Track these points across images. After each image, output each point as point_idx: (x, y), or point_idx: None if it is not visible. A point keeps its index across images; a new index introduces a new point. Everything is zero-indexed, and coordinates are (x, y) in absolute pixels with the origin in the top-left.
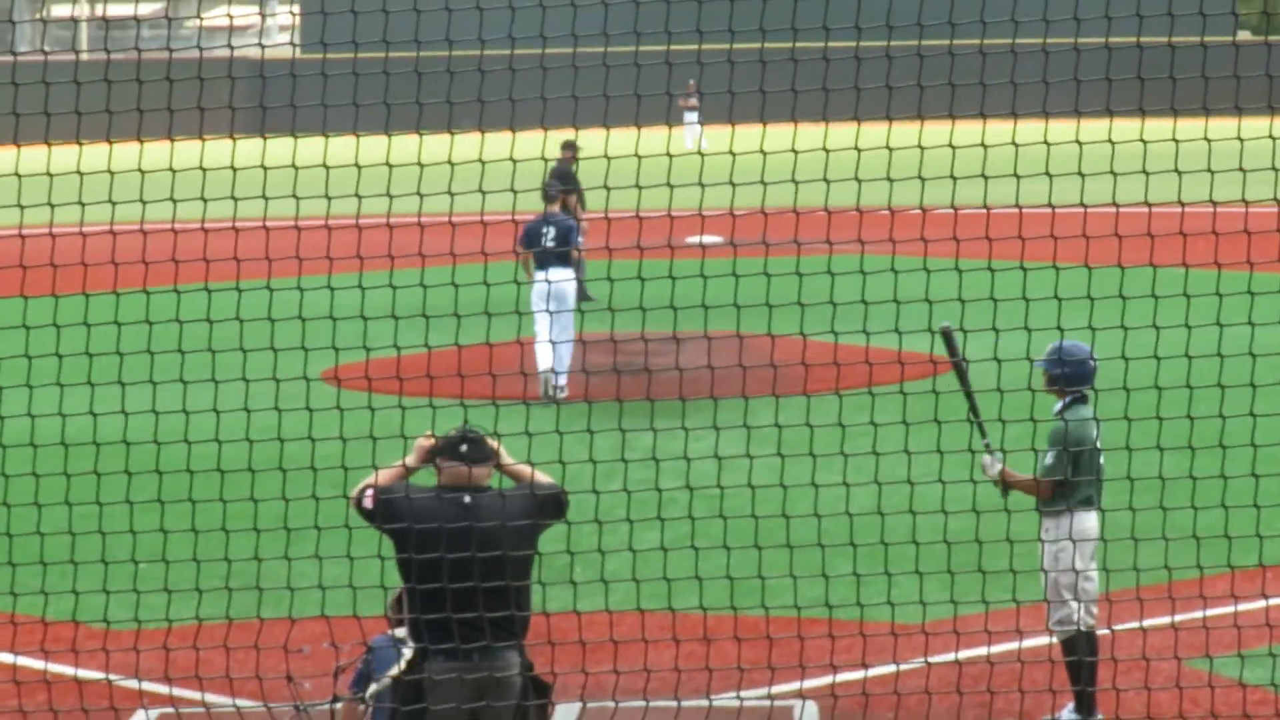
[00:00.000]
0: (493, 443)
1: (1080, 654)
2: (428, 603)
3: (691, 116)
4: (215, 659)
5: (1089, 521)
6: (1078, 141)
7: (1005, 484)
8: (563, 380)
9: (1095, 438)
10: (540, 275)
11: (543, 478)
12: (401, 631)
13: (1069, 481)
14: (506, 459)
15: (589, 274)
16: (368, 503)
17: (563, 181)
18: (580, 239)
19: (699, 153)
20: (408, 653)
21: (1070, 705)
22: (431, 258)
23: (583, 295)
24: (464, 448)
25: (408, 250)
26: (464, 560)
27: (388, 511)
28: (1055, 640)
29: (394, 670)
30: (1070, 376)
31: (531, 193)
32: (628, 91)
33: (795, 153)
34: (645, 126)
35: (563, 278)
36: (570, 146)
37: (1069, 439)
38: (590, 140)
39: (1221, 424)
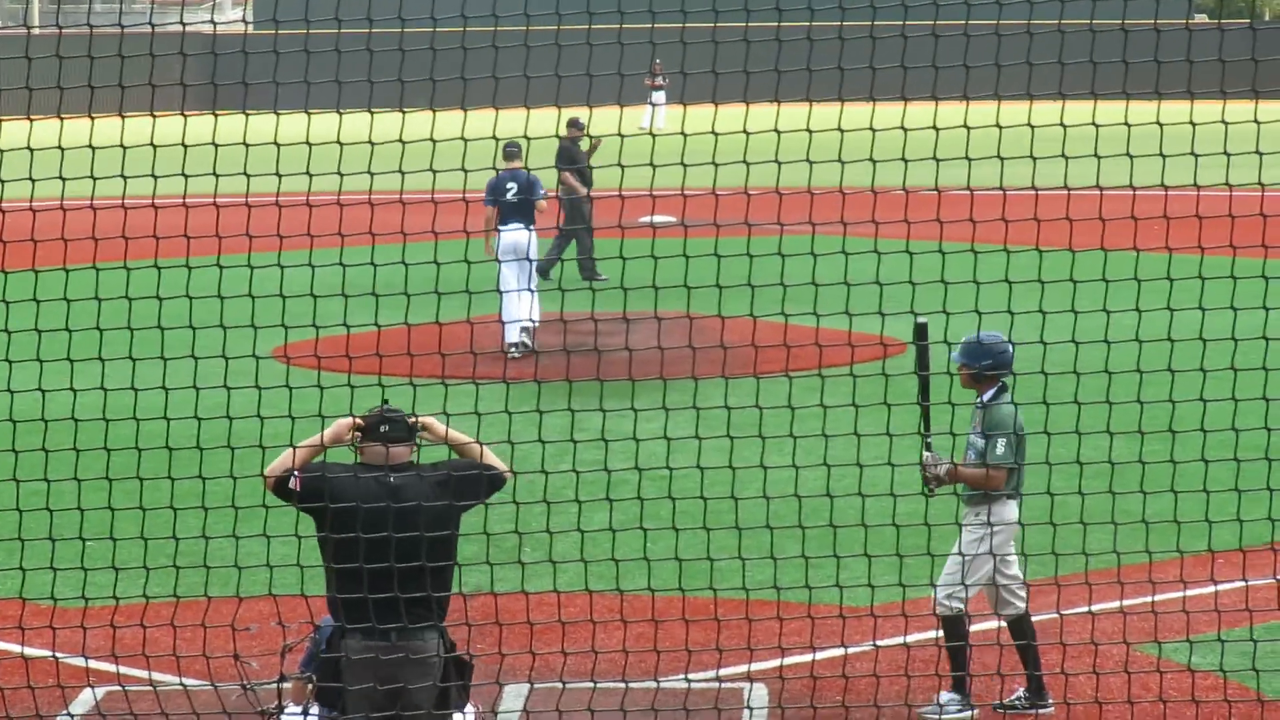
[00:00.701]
0: (434, 421)
1: (1026, 638)
2: (348, 581)
3: (659, 97)
4: (162, 637)
5: (1014, 507)
6: (1094, 124)
7: (951, 480)
8: (534, 327)
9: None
10: (501, 230)
11: (491, 456)
12: None
13: (1015, 468)
14: (456, 436)
15: (595, 252)
16: (294, 484)
17: (568, 160)
18: (543, 196)
19: (651, 133)
20: None
21: (946, 691)
22: (382, 236)
23: (543, 273)
24: (384, 428)
25: (358, 228)
26: (388, 540)
27: (325, 491)
28: (1004, 622)
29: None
30: (996, 366)
31: (481, 172)
32: (580, 72)
33: (746, 134)
34: (598, 106)
35: (521, 237)
36: (576, 124)
37: (1014, 425)
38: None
39: (1171, 409)
